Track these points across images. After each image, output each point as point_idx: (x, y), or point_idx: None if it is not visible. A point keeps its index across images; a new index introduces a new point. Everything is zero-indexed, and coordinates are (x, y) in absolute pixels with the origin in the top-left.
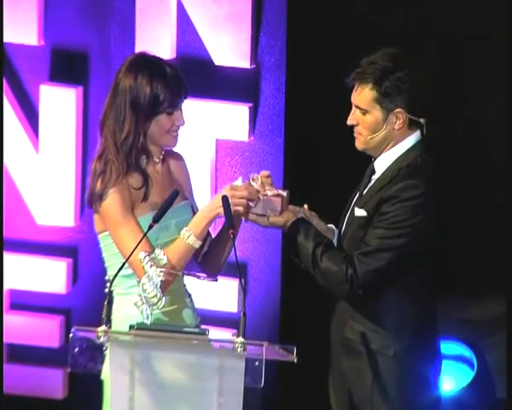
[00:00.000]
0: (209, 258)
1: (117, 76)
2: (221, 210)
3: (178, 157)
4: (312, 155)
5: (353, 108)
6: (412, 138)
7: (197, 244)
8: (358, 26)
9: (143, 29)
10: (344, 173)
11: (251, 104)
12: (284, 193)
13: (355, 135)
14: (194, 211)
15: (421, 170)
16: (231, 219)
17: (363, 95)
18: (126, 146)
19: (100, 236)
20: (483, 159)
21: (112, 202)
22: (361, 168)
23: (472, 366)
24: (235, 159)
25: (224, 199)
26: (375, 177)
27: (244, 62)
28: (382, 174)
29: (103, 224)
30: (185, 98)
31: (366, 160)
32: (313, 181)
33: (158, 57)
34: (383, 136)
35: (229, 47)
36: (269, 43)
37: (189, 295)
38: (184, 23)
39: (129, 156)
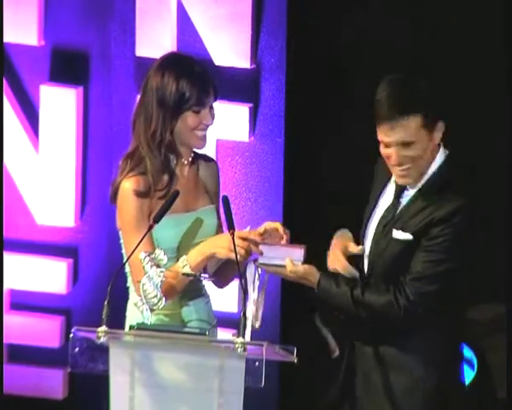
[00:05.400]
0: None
1: (146, 75)
2: (219, 251)
3: (210, 161)
4: (312, 155)
5: (391, 149)
6: (440, 152)
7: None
8: (359, 27)
9: (143, 29)
10: (344, 174)
11: (251, 104)
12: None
13: (401, 173)
14: (219, 217)
15: (462, 188)
16: (232, 220)
17: (405, 127)
18: (154, 143)
19: (120, 232)
20: (482, 161)
21: (130, 206)
22: (360, 169)
23: (472, 366)
24: (236, 159)
25: (225, 199)
26: (407, 195)
27: (244, 62)
28: (419, 194)
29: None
30: (215, 98)
31: (366, 160)
32: (313, 181)
33: (188, 56)
34: (427, 156)
35: (229, 47)
36: (269, 43)
37: (207, 297)
38: (184, 23)
39: (159, 154)
